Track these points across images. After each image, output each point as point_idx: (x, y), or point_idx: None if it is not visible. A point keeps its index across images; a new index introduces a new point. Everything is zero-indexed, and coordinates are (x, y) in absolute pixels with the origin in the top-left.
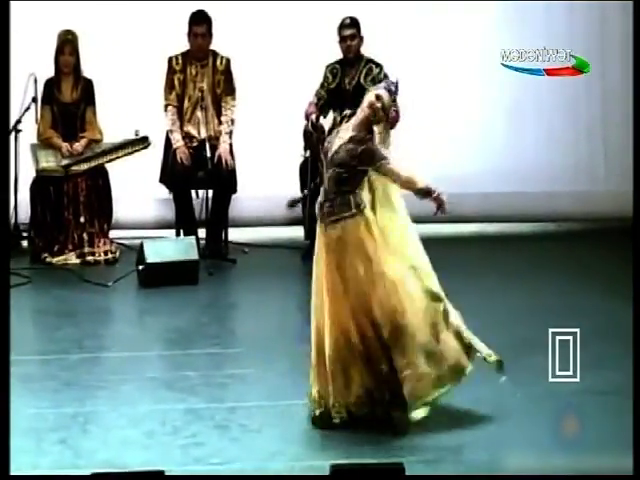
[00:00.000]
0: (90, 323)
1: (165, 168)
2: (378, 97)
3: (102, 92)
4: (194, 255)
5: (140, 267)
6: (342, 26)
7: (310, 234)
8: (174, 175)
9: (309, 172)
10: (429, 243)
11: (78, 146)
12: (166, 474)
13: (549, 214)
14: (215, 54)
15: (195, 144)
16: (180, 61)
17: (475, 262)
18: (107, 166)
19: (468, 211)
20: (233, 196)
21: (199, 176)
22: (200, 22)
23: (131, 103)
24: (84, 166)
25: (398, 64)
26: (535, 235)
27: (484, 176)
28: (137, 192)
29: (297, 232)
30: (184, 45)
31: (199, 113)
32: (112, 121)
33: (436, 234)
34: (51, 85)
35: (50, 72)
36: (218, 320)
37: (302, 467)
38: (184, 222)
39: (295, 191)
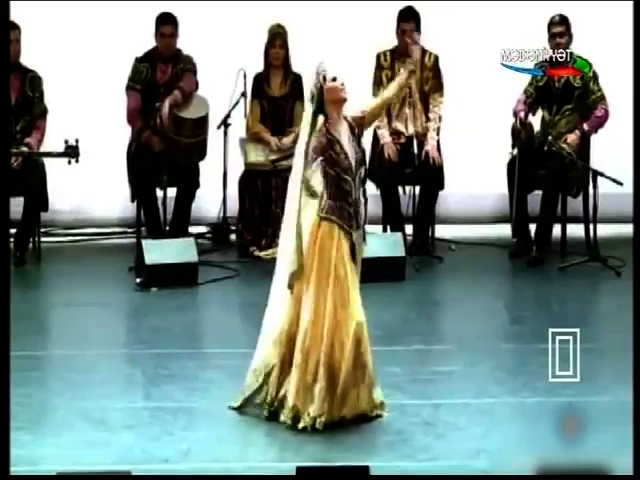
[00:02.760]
0: None
1: (373, 164)
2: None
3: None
4: (401, 251)
5: None
6: (551, 23)
7: (518, 232)
8: (382, 171)
9: (517, 170)
10: None
11: (287, 141)
12: (371, 473)
13: None
14: (424, 51)
15: (403, 140)
16: (388, 58)
17: None
18: None
19: None
20: (440, 193)
21: (406, 172)
22: (408, 19)
23: None
24: (292, 161)
25: None
26: None
27: None
28: None
29: (504, 230)
30: (392, 41)
31: (407, 109)
32: None
33: None
34: (260, 79)
35: (259, 67)
36: (424, 317)
37: (506, 466)
38: (391, 218)
39: (502, 188)
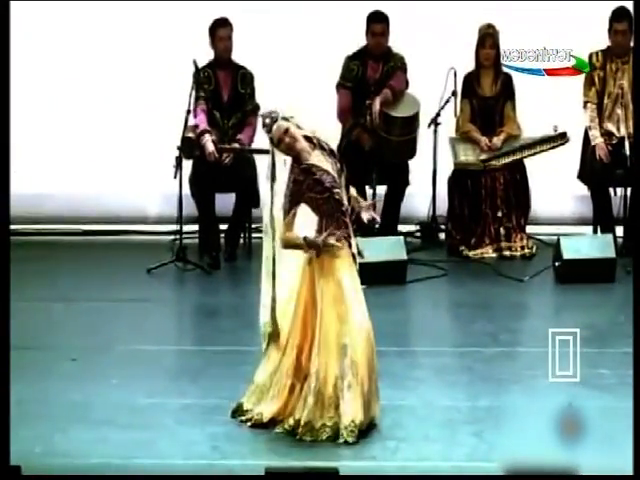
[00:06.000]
0: (505, 317)
1: (584, 165)
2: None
3: (521, 87)
4: (612, 253)
5: (557, 263)
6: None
7: None
8: (593, 172)
9: None
10: None
11: (497, 140)
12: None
13: None
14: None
15: (614, 141)
16: (600, 58)
17: None
18: (525, 161)
19: None
20: None
21: (618, 174)
22: (622, 19)
23: (550, 100)
24: (503, 161)
25: None
26: None
27: None
28: (555, 188)
29: None
30: (605, 42)
31: (619, 110)
32: (530, 116)
33: None
34: (471, 79)
35: (469, 67)
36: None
37: None
38: (602, 219)
39: None
